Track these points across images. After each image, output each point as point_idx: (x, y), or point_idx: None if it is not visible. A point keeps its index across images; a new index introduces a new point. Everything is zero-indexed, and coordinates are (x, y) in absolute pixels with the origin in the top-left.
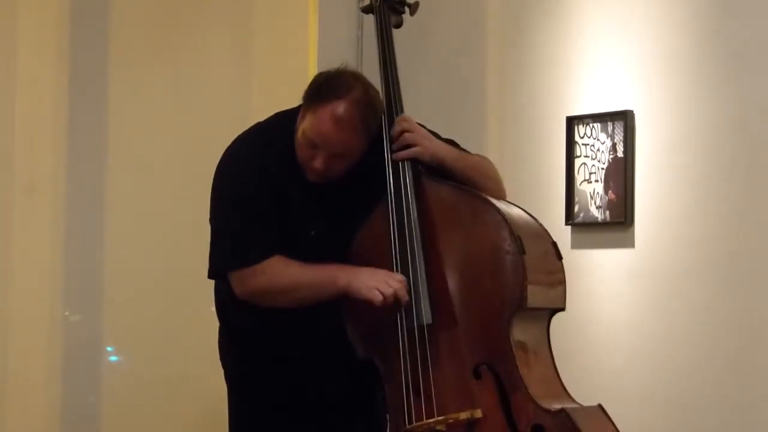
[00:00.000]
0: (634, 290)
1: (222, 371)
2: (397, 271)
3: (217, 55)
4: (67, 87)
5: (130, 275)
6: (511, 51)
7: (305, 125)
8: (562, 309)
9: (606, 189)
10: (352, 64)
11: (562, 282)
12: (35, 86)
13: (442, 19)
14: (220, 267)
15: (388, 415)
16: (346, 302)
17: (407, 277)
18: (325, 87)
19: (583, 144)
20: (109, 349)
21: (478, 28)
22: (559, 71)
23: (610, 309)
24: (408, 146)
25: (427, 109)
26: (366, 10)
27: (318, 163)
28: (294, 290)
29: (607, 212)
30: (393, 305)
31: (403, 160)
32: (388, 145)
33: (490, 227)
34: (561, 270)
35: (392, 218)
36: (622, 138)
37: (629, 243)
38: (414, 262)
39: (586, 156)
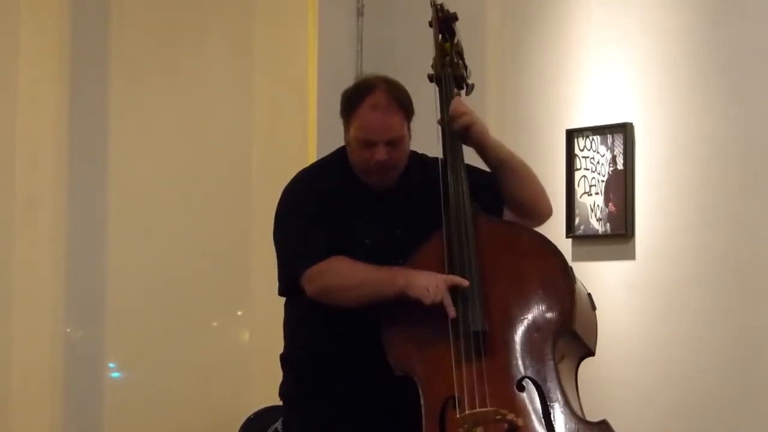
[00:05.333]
0: (635, 302)
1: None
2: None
3: (217, 66)
4: (68, 102)
5: (131, 291)
6: (511, 64)
7: (353, 132)
8: (593, 353)
9: (606, 201)
10: (352, 73)
11: (596, 327)
12: (36, 102)
13: None
14: (290, 275)
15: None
16: (387, 312)
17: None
18: (354, 94)
19: (583, 156)
20: (111, 365)
21: (478, 40)
22: (558, 84)
23: (611, 321)
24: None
25: (426, 121)
26: (431, 78)
27: (380, 154)
28: (358, 287)
29: (608, 224)
30: (440, 306)
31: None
32: (445, 162)
33: (546, 253)
34: (595, 318)
35: (448, 232)
36: (621, 150)
37: (630, 255)
38: (469, 271)
39: (586, 168)
